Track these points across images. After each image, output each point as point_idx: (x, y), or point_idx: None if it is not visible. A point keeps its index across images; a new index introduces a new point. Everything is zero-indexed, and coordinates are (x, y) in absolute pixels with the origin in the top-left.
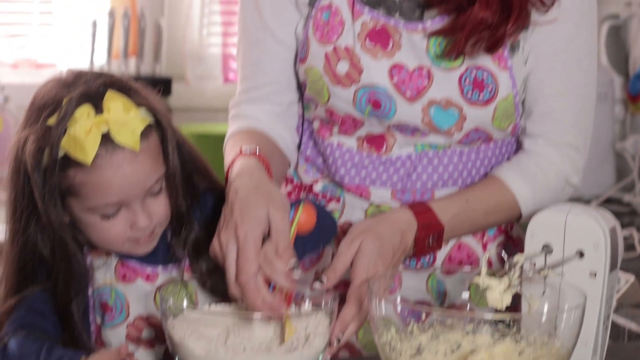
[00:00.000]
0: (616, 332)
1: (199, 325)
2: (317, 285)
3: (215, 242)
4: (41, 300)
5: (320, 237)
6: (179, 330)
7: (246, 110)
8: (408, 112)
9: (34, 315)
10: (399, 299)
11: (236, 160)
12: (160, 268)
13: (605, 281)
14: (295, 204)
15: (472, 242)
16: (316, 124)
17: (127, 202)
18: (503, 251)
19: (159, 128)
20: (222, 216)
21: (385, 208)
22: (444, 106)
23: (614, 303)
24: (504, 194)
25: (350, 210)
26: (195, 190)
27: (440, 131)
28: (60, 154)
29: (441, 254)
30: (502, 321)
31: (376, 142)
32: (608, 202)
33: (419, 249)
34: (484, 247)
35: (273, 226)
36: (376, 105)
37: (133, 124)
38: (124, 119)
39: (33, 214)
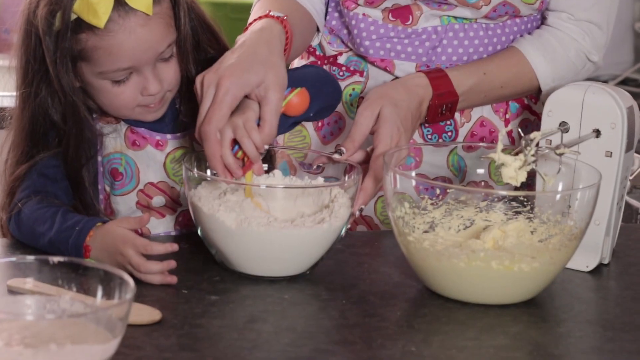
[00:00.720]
0: (629, 213)
1: (225, 196)
2: (336, 156)
3: (198, 79)
4: (52, 165)
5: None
6: (206, 202)
7: None
8: None
9: (45, 181)
10: (413, 174)
11: (261, 19)
12: (169, 135)
13: (621, 161)
14: (293, 87)
15: (494, 119)
16: None
17: (138, 68)
18: (519, 128)
19: None
20: (220, 58)
21: None
22: None
23: (628, 184)
24: (523, 66)
25: (374, 83)
26: (205, 56)
27: (468, 4)
28: (73, 17)
29: (463, 130)
30: (516, 198)
31: (402, 13)
32: (625, 83)
33: (432, 116)
34: (507, 123)
35: (266, 97)
36: None
37: None
38: None
39: (44, 79)
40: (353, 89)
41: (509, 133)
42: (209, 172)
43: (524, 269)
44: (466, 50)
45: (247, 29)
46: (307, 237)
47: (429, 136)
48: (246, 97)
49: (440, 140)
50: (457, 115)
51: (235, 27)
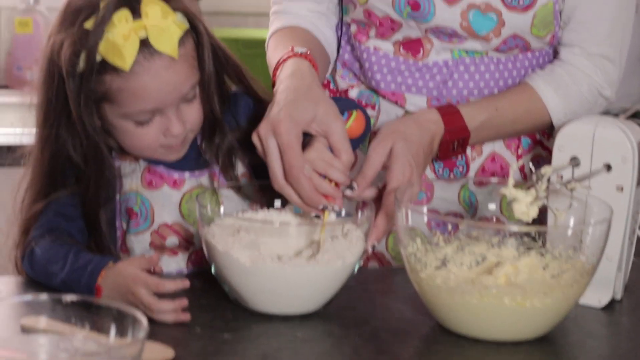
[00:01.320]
0: None
1: (238, 233)
2: (347, 192)
3: (254, 136)
4: (68, 204)
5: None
6: (220, 239)
7: (289, 7)
8: (447, 15)
9: (60, 219)
10: (425, 209)
11: (288, 60)
12: (187, 174)
13: (632, 195)
14: (348, 110)
15: (506, 154)
16: (353, 28)
17: (161, 109)
18: (530, 163)
19: (195, 33)
20: (267, 111)
21: None
22: (483, 10)
23: None
24: (534, 102)
25: (385, 117)
26: (228, 94)
27: (478, 36)
28: (98, 58)
29: (474, 165)
30: (527, 234)
31: (413, 47)
32: (636, 116)
33: (443, 152)
34: (518, 158)
35: (330, 129)
36: (415, 6)
37: (171, 30)
38: (162, 24)
39: (66, 120)
40: None
41: (521, 168)
42: (222, 209)
43: (536, 305)
44: (477, 84)
45: (275, 71)
46: (321, 275)
47: (440, 171)
48: (306, 135)
49: (452, 175)
50: (468, 150)
51: (249, 62)
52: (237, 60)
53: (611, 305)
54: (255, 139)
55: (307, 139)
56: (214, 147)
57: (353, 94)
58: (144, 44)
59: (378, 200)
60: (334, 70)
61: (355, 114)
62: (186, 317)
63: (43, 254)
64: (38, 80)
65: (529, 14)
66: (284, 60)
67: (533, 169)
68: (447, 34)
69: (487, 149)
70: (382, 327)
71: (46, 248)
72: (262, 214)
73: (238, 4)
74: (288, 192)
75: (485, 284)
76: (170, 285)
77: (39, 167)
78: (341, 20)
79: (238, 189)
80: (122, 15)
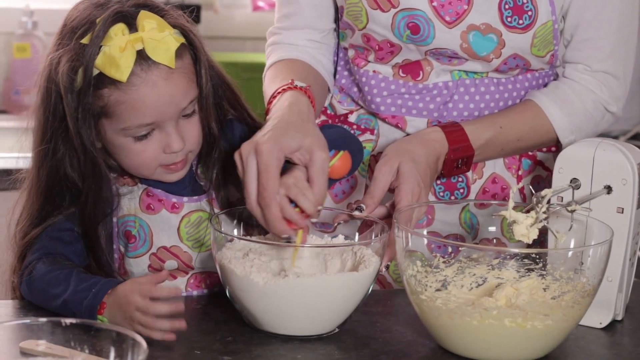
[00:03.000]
0: None
1: (248, 256)
2: (356, 213)
3: (236, 154)
4: (64, 228)
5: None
6: (238, 263)
7: (287, 37)
8: (446, 37)
9: (56, 243)
10: (425, 232)
11: (287, 91)
12: (185, 198)
13: (633, 217)
14: (335, 149)
15: (506, 175)
16: (351, 53)
17: (160, 124)
18: (530, 186)
19: (192, 49)
20: (255, 134)
21: None
22: (483, 31)
23: None
24: (539, 119)
25: (384, 140)
26: (225, 117)
27: (479, 57)
28: (95, 72)
29: (475, 187)
30: (528, 256)
31: (412, 69)
32: (636, 138)
33: (447, 170)
34: (519, 180)
35: (312, 159)
36: (415, 30)
37: (168, 42)
38: (159, 37)
39: (63, 137)
40: (364, 147)
41: (521, 190)
42: (235, 232)
43: (537, 326)
44: (477, 105)
45: (271, 100)
46: (339, 292)
47: (441, 193)
48: (288, 162)
49: (452, 197)
50: (469, 172)
51: (246, 86)
52: (233, 82)
53: (612, 326)
54: (236, 157)
55: (288, 167)
56: (210, 171)
57: (352, 118)
58: (141, 55)
59: (387, 219)
60: (332, 95)
61: (341, 153)
62: (182, 324)
63: (42, 277)
64: (36, 99)
65: (529, 33)
66: (283, 90)
67: (533, 191)
68: (446, 56)
69: (488, 170)
70: (382, 350)
71: (45, 271)
72: (272, 236)
73: (236, 28)
74: (257, 213)
75: (485, 305)
76: (164, 292)
77: (35, 187)
78: (337, 45)
79: (233, 214)
80: (119, 29)
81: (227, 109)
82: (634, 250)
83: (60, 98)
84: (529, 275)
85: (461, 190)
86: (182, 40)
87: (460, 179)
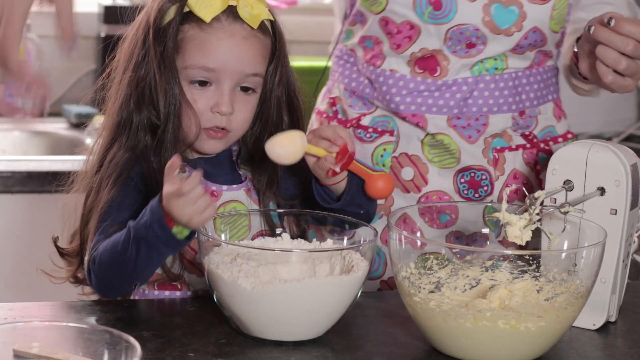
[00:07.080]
0: (636, 270)
1: (235, 261)
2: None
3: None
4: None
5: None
6: (225, 268)
7: None
8: (468, 11)
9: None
10: (418, 234)
11: None
12: (225, 187)
13: (626, 219)
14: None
15: (525, 170)
16: (360, 53)
17: (220, 78)
18: (523, 187)
19: (275, 37)
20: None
21: (441, 137)
22: (504, 3)
23: (634, 241)
24: None
25: (405, 141)
26: (280, 120)
27: (500, 31)
28: (185, 10)
29: (498, 183)
30: (521, 257)
31: (428, 65)
32: (629, 140)
33: None
34: (537, 174)
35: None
36: (437, 5)
37: (259, 9)
38: (253, 1)
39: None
40: (384, 150)
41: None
42: (223, 236)
43: (530, 328)
44: (496, 100)
45: None
46: (328, 297)
47: (465, 192)
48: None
49: (476, 195)
50: (491, 169)
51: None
52: (300, 94)
53: (605, 327)
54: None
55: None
56: (250, 163)
57: (366, 121)
58: (231, 10)
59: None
60: (340, 99)
61: (380, 173)
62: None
63: (105, 246)
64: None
65: (549, 4)
66: None
67: (526, 192)
68: (464, 41)
69: (509, 166)
70: (376, 352)
71: (106, 241)
72: (259, 241)
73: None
74: None
75: (479, 307)
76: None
77: (112, 120)
78: (341, 49)
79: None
80: None
81: (283, 113)
82: (627, 252)
83: (147, 39)
84: (522, 276)
85: (485, 188)
86: (272, 18)
87: (484, 177)
